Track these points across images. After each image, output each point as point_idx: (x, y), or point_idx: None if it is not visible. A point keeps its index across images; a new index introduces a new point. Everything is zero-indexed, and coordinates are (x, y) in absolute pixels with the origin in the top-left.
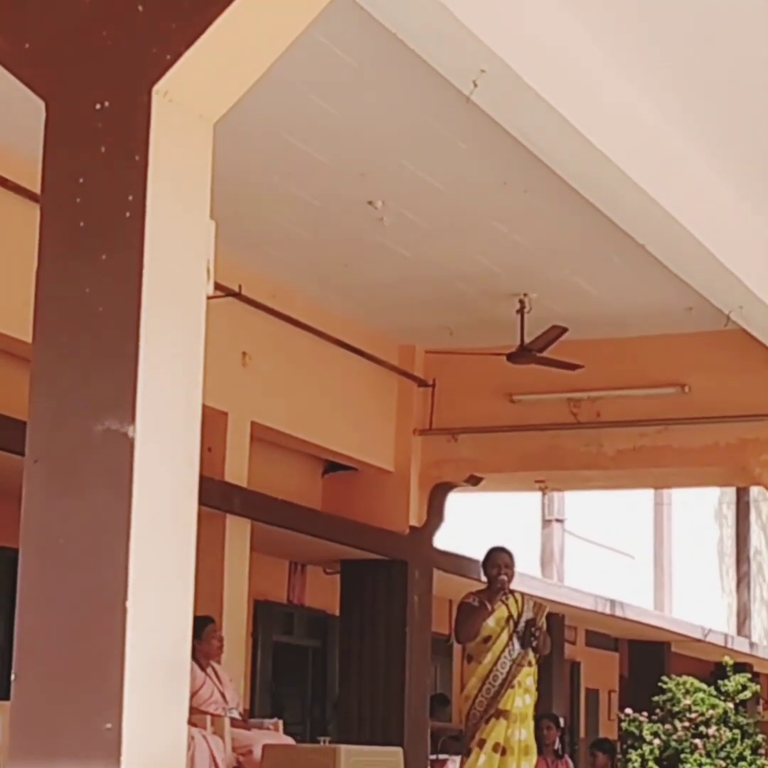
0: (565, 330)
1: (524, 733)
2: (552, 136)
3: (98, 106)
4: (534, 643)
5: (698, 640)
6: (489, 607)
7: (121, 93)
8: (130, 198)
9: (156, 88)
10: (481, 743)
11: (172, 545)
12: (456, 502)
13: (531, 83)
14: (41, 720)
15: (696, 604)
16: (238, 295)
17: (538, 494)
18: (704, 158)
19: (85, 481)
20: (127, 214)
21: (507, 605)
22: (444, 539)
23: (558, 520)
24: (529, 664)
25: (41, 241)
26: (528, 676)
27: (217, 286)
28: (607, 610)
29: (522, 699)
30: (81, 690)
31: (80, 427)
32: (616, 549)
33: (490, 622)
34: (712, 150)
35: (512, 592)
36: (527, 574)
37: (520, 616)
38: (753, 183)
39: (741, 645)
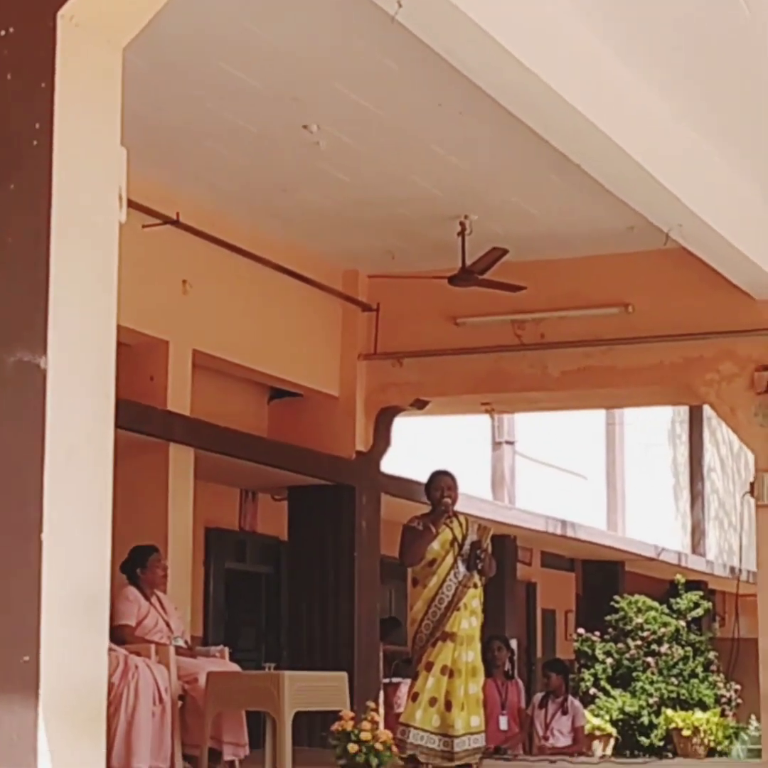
0: (505, 251)
1: (471, 655)
2: (481, 56)
3: (2, 33)
4: (479, 566)
5: (652, 559)
6: (433, 530)
7: (25, 19)
8: (37, 126)
9: (61, 12)
10: (429, 666)
11: (89, 477)
12: (406, 426)
13: (456, 2)
14: None
15: (650, 523)
16: (176, 223)
17: (489, 417)
18: (640, 78)
19: None
20: (35, 143)
21: (451, 528)
22: (395, 464)
23: (508, 442)
24: (475, 586)
25: None
26: (474, 598)
27: (155, 214)
28: (559, 531)
29: (468, 621)
30: None
31: None
32: (568, 470)
33: (435, 545)
34: (647, 68)
35: (456, 514)
36: (478, 497)
37: (464, 538)
38: (690, 101)
39: (695, 563)
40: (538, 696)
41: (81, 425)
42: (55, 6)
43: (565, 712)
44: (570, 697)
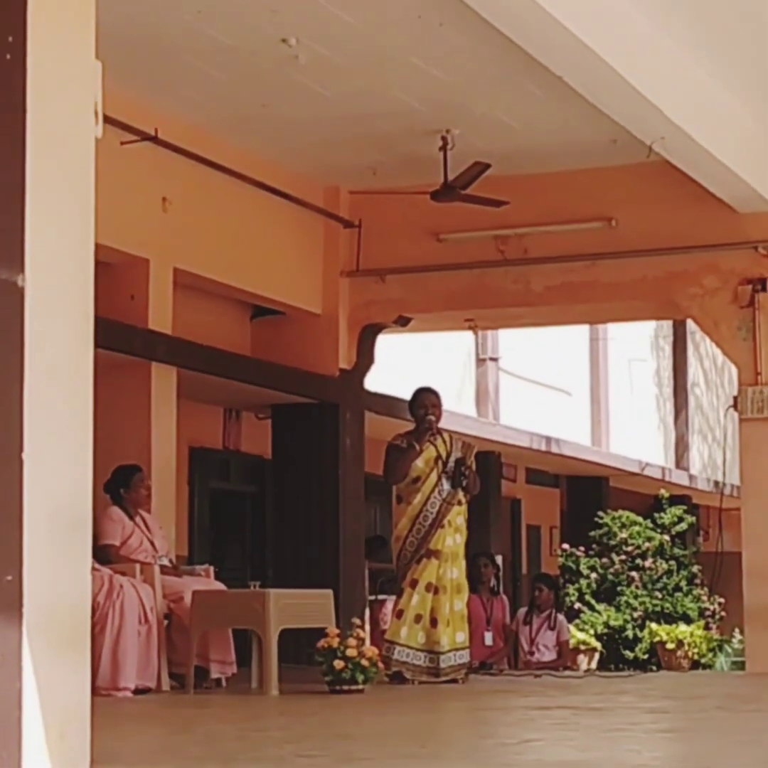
0: (487, 166)
1: (456, 572)
2: None
3: None
4: (464, 483)
5: (636, 474)
6: (417, 447)
7: None
8: (10, 39)
9: None
10: (414, 583)
11: (69, 396)
12: (391, 343)
13: None
14: None
15: (633, 438)
16: (154, 140)
17: (472, 334)
18: None
19: None
20: (8, 56)
21: (435, 445)
22: (380, 382)
23: (492, 359)
24: (459, 503)
25: None
26: (458, 515)
27: (133, 131)
28: (543, 448)
29: (453, 538)
30: None
31: None
32: (552, 386)
33: (419, 462)
34: None
35: (440, 432)
36: (462, 413)
37: (448, 455)
38: (673, 13)
39: (679, 477)
40: (521, 611)
41: (60, 344)
42: None
43: (551, 627)
44: (556, 613)
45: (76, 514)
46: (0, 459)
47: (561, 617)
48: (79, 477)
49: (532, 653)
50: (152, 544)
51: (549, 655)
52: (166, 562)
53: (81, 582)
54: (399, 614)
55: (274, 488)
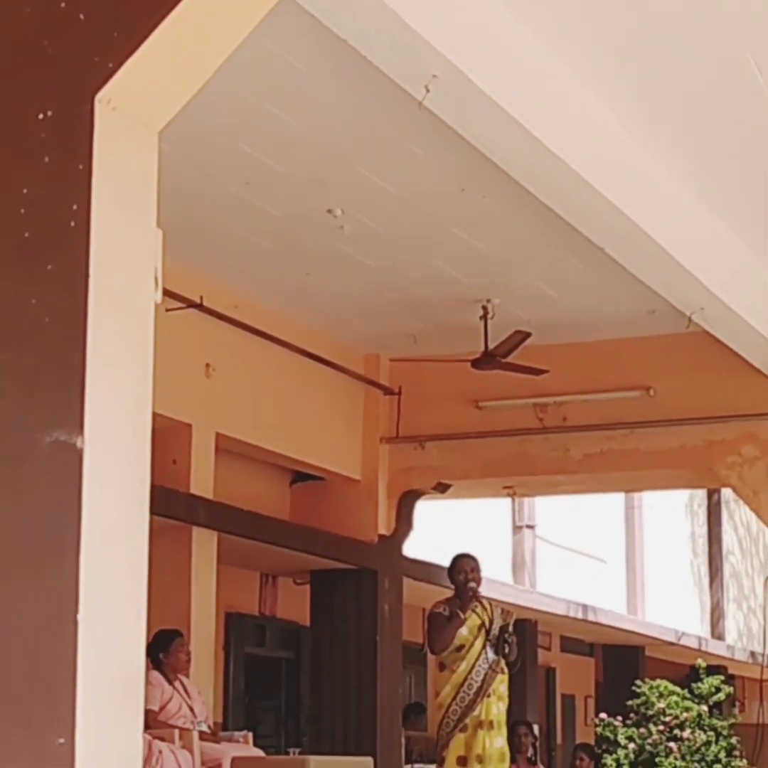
0: (528, 335)
1: (500, 741)
2: (506, 140)
3: (41, 116)
4: (506, 650)
5: (672, 644)
6: (461, 615)
7: (63, 102)
8: (75, 207)
9: (98, 96)
10: (463, 761)
11: (124, 558)
12: (426, 510)
13: (483, 87)
14: None
15: (669, 606)
16: (199, 307)
17: (509, 500)
18: (661, 161)
19: (33, 494)
20: (72, 224)
21: (477, 613)
22: (414, 547)
23: (529, 526)
24: (502, 671)
25: None
26: (501, 683)
27: (179, 298)
28: (580, 616)
29: (497, 706)
30: (33, 705)
31: (28, 439)
32: (588, 554)
33: (463, 630)
34: (668, 153)
35: (480, 598)
36: (499, 580)
37: (491, 623)
38: (710, 185)
39: (715, 648)
40: None
41: (117, 506)
42: (93, 90)
43: None
44: None
45: (130, 677)
46: (55, 620)
47: None
48: (133, 640)
49: None
50: (191, 709)
51: None
52: (204, 727)
53: (133, 746)
54: None
55: (312, 654)
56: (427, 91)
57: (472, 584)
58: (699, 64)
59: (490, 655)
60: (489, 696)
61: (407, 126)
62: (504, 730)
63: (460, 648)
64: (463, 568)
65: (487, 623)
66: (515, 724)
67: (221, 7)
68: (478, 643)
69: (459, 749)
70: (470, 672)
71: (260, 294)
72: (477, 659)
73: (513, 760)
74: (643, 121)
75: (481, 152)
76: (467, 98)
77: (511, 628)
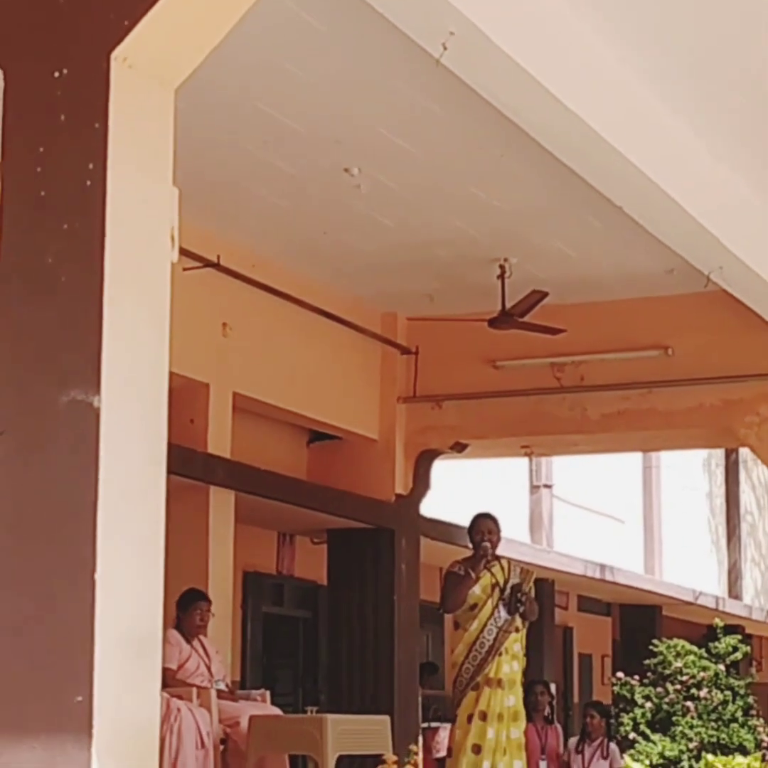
0: (545, 294)
1: (513, 700)
2: (524, 98)
3: (57, 74)
4: (521, 610)
5: (689, 603)
6: (473, 575)
7: (79, 60)
8: (91, 166)
9: (114, 54)
10: (482, 715)
11: (141, 516)
12: (444, 469)
13: (501, 44)
14: (11, 693)
15: (687, 566)
16: (216, 266)
17: (526, 460)
18: (680, 119)
19: (51, 453)
20: (88, 183)
21: (492, 572)
22: (432, 507)
23: (546, 486)
24: (517, 630)
25: (2, 211)
26: (515, 643)
27: (196, 257)
28: (598, 575)
29: (510, 665)
30: (51, 663)
31: (45, 398)
32: (606, 513)
33: (476, 589)
34: (687, 111)
35: (498, 558)
36: (516, 540)
37: (506, 582)
38: (729, 143)
39: (733, 607)
40: (573, 740)
41: (134, 465)
42: (109, 47)
43: (604, 756)
44: (608, 741)
45: (147, 635)
46: (72, 579)
47: (613, 746)
48: (150, 598)
49: None
50: (209, 668)
51: None
52: (222, 686)
53: (150, 704)
54: (477, 749)
55: (329, 613)
56: (445, 48)
57: (486, 544)
58: (720, 22)
59: (503, 614)
60: (501, 655)
61: (424, 84)
62: (518, 689)
63: (473, 607)
64: (481, 528)
65: (501, 582)
66: (532, 683)
67: None
68: (490, 603)
69: (469, 707)
70: (482, 631)
71: (277, 253)
72: (488, 618)
73: (529, 719)
74: (662, 79)
75: (499, 110)
76: (485, 55)
77: (528, 587)
